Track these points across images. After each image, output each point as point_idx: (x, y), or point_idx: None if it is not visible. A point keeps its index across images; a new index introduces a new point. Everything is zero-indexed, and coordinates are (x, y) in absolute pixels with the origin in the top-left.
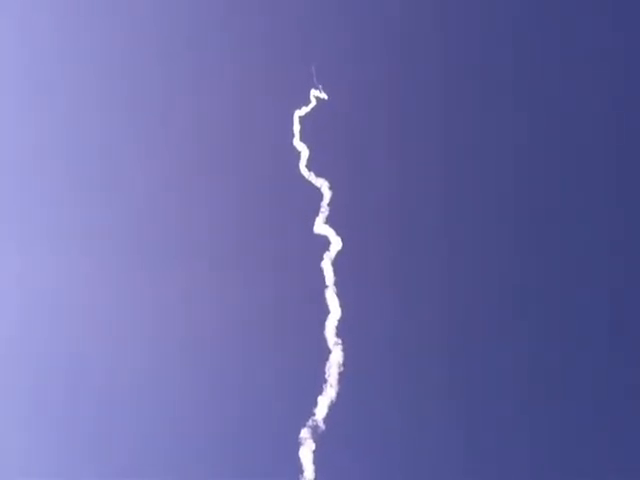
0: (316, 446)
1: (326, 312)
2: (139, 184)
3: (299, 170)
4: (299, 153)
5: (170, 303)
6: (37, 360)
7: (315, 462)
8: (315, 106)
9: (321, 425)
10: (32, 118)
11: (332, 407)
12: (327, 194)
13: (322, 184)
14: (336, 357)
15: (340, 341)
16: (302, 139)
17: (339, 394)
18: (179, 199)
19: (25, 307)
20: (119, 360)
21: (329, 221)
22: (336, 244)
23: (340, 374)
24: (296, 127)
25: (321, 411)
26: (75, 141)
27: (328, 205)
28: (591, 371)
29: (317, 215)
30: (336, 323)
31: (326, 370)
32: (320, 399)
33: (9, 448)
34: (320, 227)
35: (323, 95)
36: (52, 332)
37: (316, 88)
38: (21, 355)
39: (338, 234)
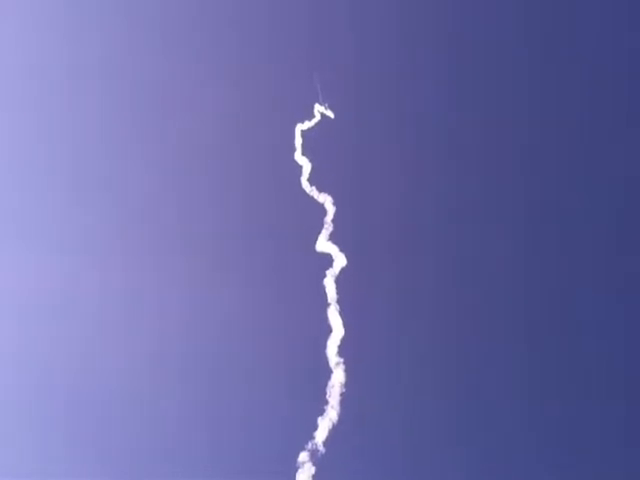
0: (315, 471)
1: (328, 330)
2: (141, 194)
3: (301, 185)
4: (301, 168)
5: (172, 315)
6: (38, 360)
7: None
8: (319, 121)
9: (321, 448)
10: (33, 118)
11: (333, 430)
12: (331, 210)
13: (325, 199)
14: (338, 377)
15: (342, 360)
16: (305, 153)
17: (340, 416)
18: (181, 214)
19: (25, 308)
20: (118, 361)
21: (332, 237)
22: (340, 261)
23: (342, 395)
24: (298, 141)
25: (321, 434)
26: (76, 142)
27: (332, 221)
28: (591, 371)
29: (320, 231)
30: (338, 342)
31: (327, 391)
32: (320, 421)
33: (9, 448)
34: (323, 244)
35: (329, 113)
36: (52, 333)
37: (321, 104)
38: (22, 356)
39: (341, 251)
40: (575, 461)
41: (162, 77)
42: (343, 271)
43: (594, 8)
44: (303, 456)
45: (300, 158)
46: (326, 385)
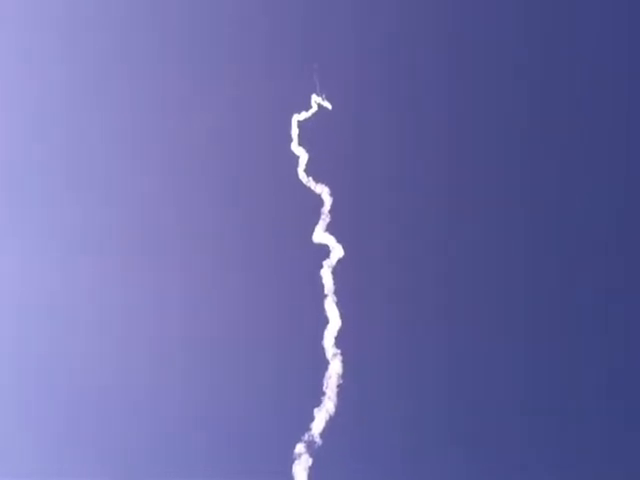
0: (312, 462)
1: (325, 321)
2: (138, 187)
3: (297, 175)
4: (298, 158)
5: (169, 308)
6: (37, 360)
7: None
8: (316, 112)
9: (317, 440)
10: (33, 117)
11: (330, 421)
12: (328, 200)
13: (323, 190)
14: (335, 368)
15: (339, 351)
16: (301, 143)
17: (337, 407)
18: (176, 204)
19: (26, 307)
20: (118, 361)
21: (329, 228)
22: (337, 252)
23: (339, 386)
24: (294, 131)
25: (318, 425)
26: (75, 141)
27: (329, 212)
28: (591, 371)
29: (317, 221)
30: (335, 333)
31: (324, 382)
32: (317, 412)
33: (9, 448)
34: (320, 235)
35: (327, 104)
36: (51, 332)
37: (319, 95)
38: (22, 356)
39: (339, 241)
40: (575, 461)
41: (158, 69)
42: (340, 262)
43: (594, 8)
44: (300, 447)
45: (297, 148)
46: (323, 376)
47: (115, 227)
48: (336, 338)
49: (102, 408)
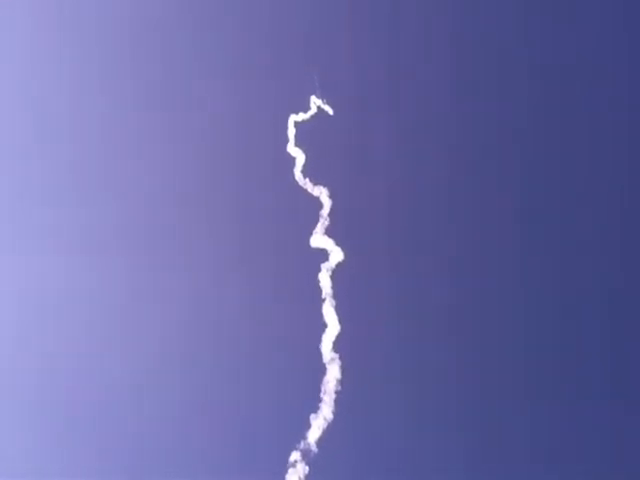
0: (308, 471)
1: (323, 325)
2: (137, 188)
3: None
4: (294, 159)
5: (168, 310)
6: (38, 360)
7: None
8: (315, 114)
9: (314, 448)
10: (33, 116)
11: (327, 428)
12: (327, 203)
13: (321, 192)
14: (333, 373)
15: (337, 356)
16: (299, 144)
17: (335, 414)
18: (174, 206)
19: (28, 308)
20: (117, 361)
21: (328, 231)
22: (336, 255)
23: (337, 392)
24: (291, 132)
25: (314, 432)
26: (78, 141)
27: (328, 215)
28: (591, 371)
29: (315, 224)
30: (333, 338)
31: (322, 387)
32: (313, 419)
33: (9, 448)
34: (318, 239)
35: (328, 108)
36: (54, 332)
37: (319, 98)
38: (23, 355)
39: (338, 244)
40: (575, 461)
41: (159, 69)
42: (339, 265)
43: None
44: (295, 455)
45: (293, 149)
46: (320, 382)
47: (117, 228)
48: (334, 343)
49: (102, 408)
